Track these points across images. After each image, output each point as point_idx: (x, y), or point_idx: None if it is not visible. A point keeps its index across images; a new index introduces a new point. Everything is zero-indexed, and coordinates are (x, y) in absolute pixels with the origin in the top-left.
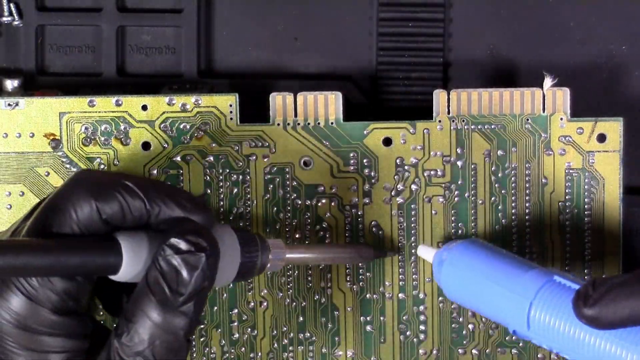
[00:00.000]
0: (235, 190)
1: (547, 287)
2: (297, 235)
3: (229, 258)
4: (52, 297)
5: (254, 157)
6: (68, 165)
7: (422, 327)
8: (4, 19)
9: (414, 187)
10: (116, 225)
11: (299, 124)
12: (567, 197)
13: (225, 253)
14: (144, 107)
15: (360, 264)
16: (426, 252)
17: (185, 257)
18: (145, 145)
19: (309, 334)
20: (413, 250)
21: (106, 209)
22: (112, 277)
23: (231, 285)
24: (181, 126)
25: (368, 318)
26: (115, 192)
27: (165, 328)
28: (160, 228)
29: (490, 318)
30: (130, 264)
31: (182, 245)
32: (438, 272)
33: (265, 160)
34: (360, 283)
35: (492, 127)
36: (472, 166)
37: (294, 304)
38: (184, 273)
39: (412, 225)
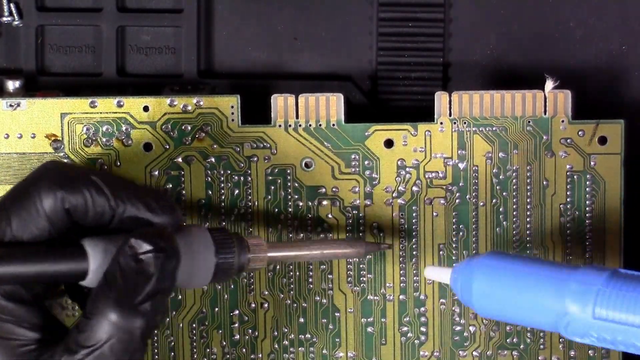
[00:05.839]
0: (237, 191)
1: (611, 276)
2: (298, 237)
3: (201, 260)
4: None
5: (255, 159)
6: None
7: (423, 329)
8: (4, 19)
9: (415, 188)
10: (78, 220)
11: (300, 125)
12: (568, 200)
13: (197, 255)
14: (146, 108)
15: (361, 263)
16: (437, 273)
17: (144, 257)
18: (147, 147)
19: (309, 335)
20: (414, 252)
21: (71, 200)
22: (82, 283)
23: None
24: (182, 127)
25: (369, 319)
26: (82, 184)
27: (121, 326)
28: (125, 227)
29: (538, 326)
30: (99, 269)
31: (142, 245)
32: (466, 289)
33: (267, 161)
34: (362, 284)
35: (494, 129)
36: (474, 168)
37: (295, 305)
38: (142, 272)
39: (414, 227)
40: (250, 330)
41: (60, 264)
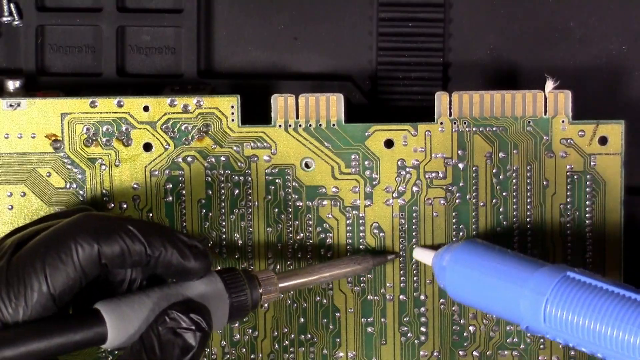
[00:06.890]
0: (237, 191)
1: (562, 283)
2: (298, 237)
3: (216, 304)
4: None
5: (255, 159)
6: (69, 166)
7: (423, 329)
8: (4, 19)
9: (415, 189)
10: (115, 268)
11: (300, 125)
12: (568, 200)
13: (211, 301)
14: (146, 108)
15: None
16: (423, 255)
17: (185, 333)
18: (147, 147)
19: (309, 335)
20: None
21: (107, 251)
22: (103, 347)
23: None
24: (183, 127)
25: (369, 319)
26: (118, 235)
27: None
28: (158, 272)
29: (500, 316)
30: (117, 331)
31: (184, 321)
32: (441, 274)
33: (267, 161)
34: (362, 284)
35: (494, 129)
36: (474, 168)
37: (295, 305)
38: (178, 348)
39: (414, 227)
40: (250, 330)
41: (79, 333)
